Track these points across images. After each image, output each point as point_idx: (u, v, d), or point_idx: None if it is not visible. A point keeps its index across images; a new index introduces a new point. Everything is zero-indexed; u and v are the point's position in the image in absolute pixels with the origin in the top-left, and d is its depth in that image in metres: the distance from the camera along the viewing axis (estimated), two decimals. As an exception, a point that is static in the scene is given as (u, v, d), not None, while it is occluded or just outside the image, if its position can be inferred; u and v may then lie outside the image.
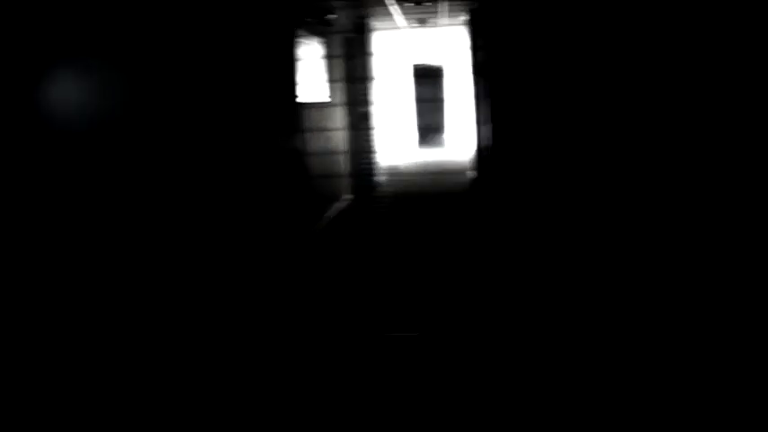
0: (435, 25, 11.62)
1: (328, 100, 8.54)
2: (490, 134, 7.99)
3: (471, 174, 10.64)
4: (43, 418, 2.21)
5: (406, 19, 10.88)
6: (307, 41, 7.75)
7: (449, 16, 10.72)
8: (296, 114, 6.31)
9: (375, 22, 11.03)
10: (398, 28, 11.92)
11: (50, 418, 2.24)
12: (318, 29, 7.85)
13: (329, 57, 8.67)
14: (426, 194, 10.03)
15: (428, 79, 21.47)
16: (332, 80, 8.87)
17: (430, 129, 21.85)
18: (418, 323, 4.02)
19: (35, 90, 2.52)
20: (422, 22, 11.14)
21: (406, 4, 9.38)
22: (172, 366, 3.33)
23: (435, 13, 10.28)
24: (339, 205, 9.00)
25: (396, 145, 14.20)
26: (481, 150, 10.27)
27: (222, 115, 4.34)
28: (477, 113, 10.40)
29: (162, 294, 3.35)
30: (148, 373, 3.11)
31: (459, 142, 16.15)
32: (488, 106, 10.02)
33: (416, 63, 17.57)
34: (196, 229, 3.81)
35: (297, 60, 6.40)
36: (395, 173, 12.86)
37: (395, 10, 9.80)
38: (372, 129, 10.80)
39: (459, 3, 9.49)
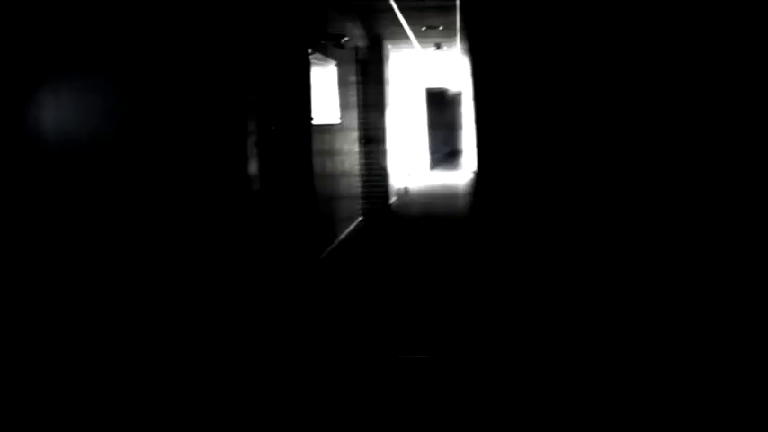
0: (451, 49, 11.65)
1: (339, 122, 8.55)
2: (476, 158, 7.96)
3: (467, 197, 10.59)
4: (43, 418, 2.19)
5: (421, 43, 10.91)
6: (321, 63, 7.77)
7: (462, 41, 10.75)
8: (309, 135, 6.30)
9: (390, 45, 11.07)
10: (414, 51, 11.96)
11: (51, 418, 2.22)
12: (333, 51, 7.87)
13: (343, 80, 8.68)
14: (436, 216, 9.97)
15: (442, 102, 21.51)
16: (346, 103, 8.88)
17: (444, 152, 21.84)
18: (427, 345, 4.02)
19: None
20: (438, 46, 11.17)
21: (421, 29, 9.42)
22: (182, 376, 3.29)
23: (452, 38, 10.31)
24: (352, 226, 8.97)
25: (409, 167, 14.21)
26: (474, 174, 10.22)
27: (236, 132, 4.32)
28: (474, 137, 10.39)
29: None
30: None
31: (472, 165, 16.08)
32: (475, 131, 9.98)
33: (430, 87, 17.64)
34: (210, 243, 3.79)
35: (310, 82, 6.42)
36: (406, 195, 12.83)
37: (410, 33, 9.84)
38: (385, 151, 10.79)
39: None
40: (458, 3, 7.55)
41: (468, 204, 11.06)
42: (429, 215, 10.38)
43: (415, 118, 15.77)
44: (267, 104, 5.03)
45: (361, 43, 9.85)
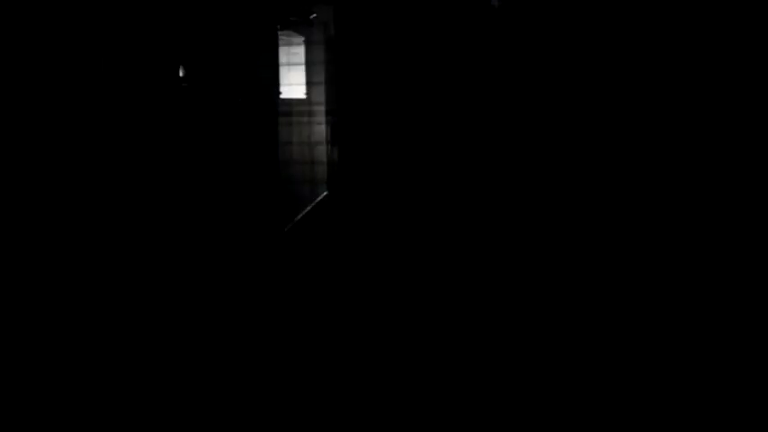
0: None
1: (306, 97, 8.63)
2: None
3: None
4: (43, 418, 2.14)
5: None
6: (290, 39, 7.84)
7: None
8: (275, 108, 6.42)
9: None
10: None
11: (50, 417, 2.23)
12: (301, 28, 7.94)
13: (310, 57, 8.74)
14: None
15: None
16: (312, 80, 8.95)
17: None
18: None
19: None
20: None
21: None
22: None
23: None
24: (320, 197, 9.11)
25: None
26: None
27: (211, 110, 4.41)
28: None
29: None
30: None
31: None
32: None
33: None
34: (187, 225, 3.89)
35: (278, 58, 6.52)
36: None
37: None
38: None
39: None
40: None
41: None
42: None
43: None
44: (236, 78, 5.12)
45: (330, 20, 9.88)
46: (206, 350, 3.59)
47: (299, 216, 8.13)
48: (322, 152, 9.97)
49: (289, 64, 7.98)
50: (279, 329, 3.93)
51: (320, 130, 9.79)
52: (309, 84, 8.80)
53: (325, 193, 9.62)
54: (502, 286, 4.81)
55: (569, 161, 3.99)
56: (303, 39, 8.28)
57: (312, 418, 2.92)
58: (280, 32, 6.71)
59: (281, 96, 6.63)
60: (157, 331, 3.50)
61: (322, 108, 9.98)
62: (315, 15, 7.98)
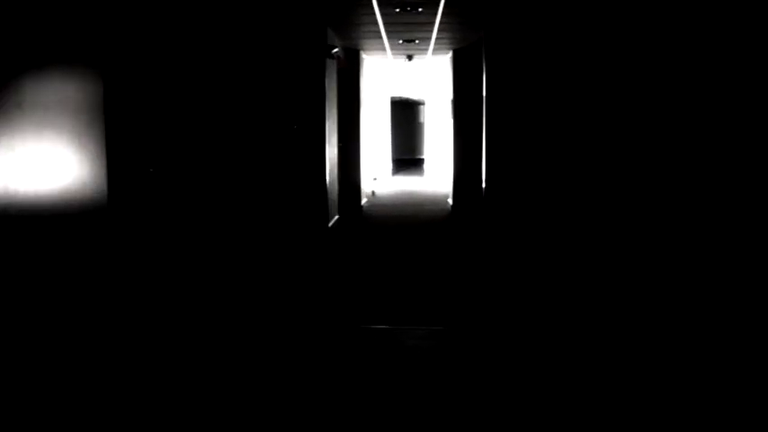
0: (423, 59, 12.47)
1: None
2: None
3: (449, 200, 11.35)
4: (43, 417, 2.28)
5: (395, 54, 11.70)
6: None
7: (434, 53, 11.57)
8: (323, 133, 7.20)
9: (365, 56, 11.81)
10: (386, 60, 12.76)
11: (50, 417, 2.33)
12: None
13: (328, 87, 9.35)
14: (404, 216, 10.73)
15: (405, 111, 22.34)
16: (329, 109, 9.53)
17: (405, 158, 22.64)
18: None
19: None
20: (410, 57, 11.97)
21: (398, 42, 10.18)
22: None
23: (424, 50, 11.12)
24: (330, 223, 9.69)
25: (375, 172, 14.94)
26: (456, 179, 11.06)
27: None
28: (455, 146, 11.24)
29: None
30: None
31: (439, 172, 16.91)
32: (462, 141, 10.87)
33: (394, 96, 18.43)
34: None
35: (324, 89, 7.30)
36: (375, 198, 13.56)
37: (387, 45, 10.60)
38: (359, 155, 11.52)
39: (445, 43, 10.34)
40: (437, 20, 8.35)
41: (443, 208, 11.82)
42: (397, 215, 11.12)
43: (380, 125, 16.52)
44: (292, 108, 5.75)
45: (341, 53, 10.55)
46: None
47: (332, 222, 8.74)
48: (335, 172, 10.55)
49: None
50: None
51: (334, 153, 10.37)
52: (327, 114, 9.41)
53: (336, 217, 10.18)
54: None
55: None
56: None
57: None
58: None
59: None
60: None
61: (335, 138, 10.57)
62: (337, 50, 8.61)
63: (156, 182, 3.11)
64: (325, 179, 7.22)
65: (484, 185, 7.17)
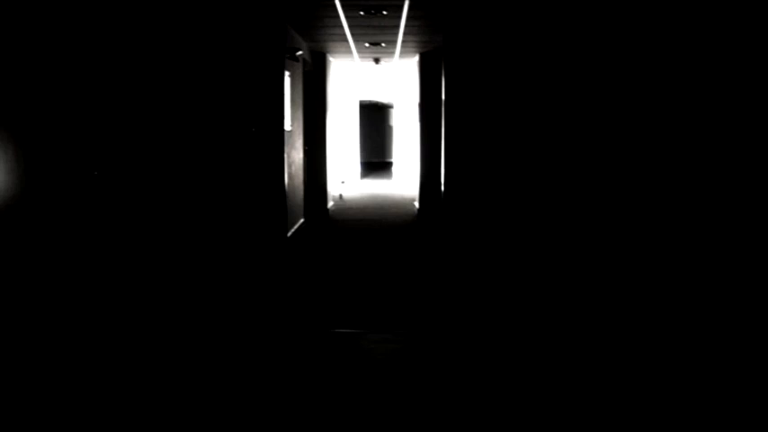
0: (390, 62, 12.45)
1: (290, 129, 9.13)
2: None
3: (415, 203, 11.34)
4: (43, 417, 2.28)
5: (362, 57, 11.65)
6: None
7: (401, 57, 11.55)
8: (281, 138, 7.05)
9: (332, 59, 11.75)
10: (353, 63, 12.71)
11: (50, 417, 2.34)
12: (289, 64, 8.46)
13: (292, 90, 9.27)
14: (371, 220, 10.69)
15: (373, 115, 22.30)
16: (293, 112, 9.46)
17: (373, 162, 22.61)
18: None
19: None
20: (377, 61, 11.93)
21: (365, 45, 10.15)
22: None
23: (391, 54, 11.10)
24: (296, 226, 9.59)
25: (342, 175, 14.89)
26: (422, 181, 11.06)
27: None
28: (421, 149, 11.24)
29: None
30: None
31: (406, 175, 16.92)
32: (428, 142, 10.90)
33: (362, 99, 18.39)
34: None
35: (284, 92, 7.15)
36: (342, 201, 13.50)
37: (354, 48, 10.55)
38: (325, 158, 11.45)
39: (411, 46, 10.34)
40: (402, 23, 8.33)
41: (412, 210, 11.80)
42: (364, 219, 11.08)
43: (348, 128, 16.47)
44: (249, 109, 5.65)
45: (307, 56, 10.47)
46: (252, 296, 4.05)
47: (296, 225, 8.61)
48: (300, 175, 10.46)
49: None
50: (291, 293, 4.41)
51: (300, 157, 10.29)
52: (293, 116, 9.32)
53: (302, 221, 10.10)
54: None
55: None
56: (288, 73, 8.82)
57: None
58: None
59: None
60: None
61: (300, 141, 10.49)
62: (301, 53, 8.53)
63: (95, 186, 3.01)
64: (283, 182, 7.10)
65: (443, 188, 7.17)
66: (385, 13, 7.63)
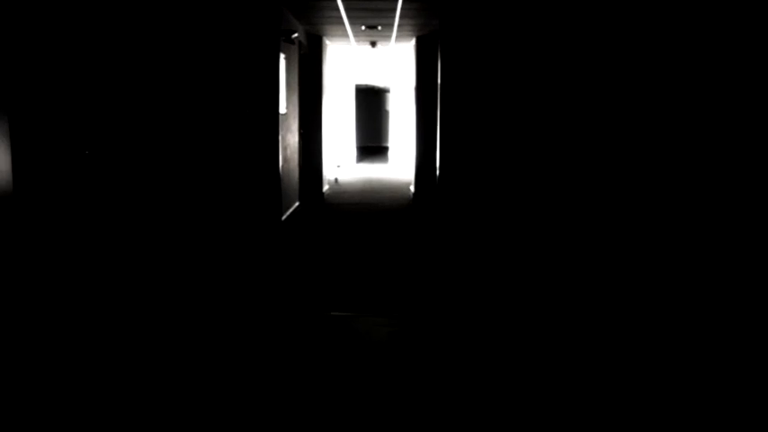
0: (386, 46, 12.38)
1: (285, 113, 9.10)
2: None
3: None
4: (42, 417, 2.26)
5: (358, 41, 11.59)
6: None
7: (397, 40, 11.50)
8: (276, 122, 7.01)
9: (328, 42, 11.68)
10: (349, 47, 12.64)
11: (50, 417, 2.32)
12: (284, 46, 8.42)
13: (288, 73, 9.23)
14: (366, 203, 10.69)
15: (369, 99, 22.22)
16: (289, 95, 9.42)
17: (370, 146, 22.56)
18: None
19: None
20: (373, 44, 11.88)
21: (361, 28, 10.09)
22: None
23: (387, 37, 11.04)
24: (291, 210, 9.58)
25: (338, 159, 14.86)
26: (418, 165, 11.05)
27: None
28: (417, 133, 11.22)
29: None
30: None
31: (402, 159, 16.89)
32: (424, 126, 10.87)
33: (359, 83, 18.31)
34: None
35: (279, 75, 7.12)
36: (337, 185, 13.49)
37: (350, 32, 10.50)
38: (321, 142, 11.42)
39: (408, 30, 10.28)
40: (399, 6, 8.28)
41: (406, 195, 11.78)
42: (360, 203, 11.07)
43: (345, 112, 16.41)
44: (243, 91, 5.62)
45: (303, 38, 10.41)
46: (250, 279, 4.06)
47: (291, 209, 8.61)
48: (296, 159, 10.45)
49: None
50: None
51: (295, 141, 10.27)
52: (288, 99, 9.28)
53: (297, 204, 10.08)
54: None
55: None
56: (284, 56, 8.78)
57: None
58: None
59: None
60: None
61: (296, 125, 10.45)
62: (296, 35, 8.48)
63: (85, 168, 3.00)
64: (278, 165, 7.09)
65: (438, 173, 7.16)
66: (381, -5, 7.59)
